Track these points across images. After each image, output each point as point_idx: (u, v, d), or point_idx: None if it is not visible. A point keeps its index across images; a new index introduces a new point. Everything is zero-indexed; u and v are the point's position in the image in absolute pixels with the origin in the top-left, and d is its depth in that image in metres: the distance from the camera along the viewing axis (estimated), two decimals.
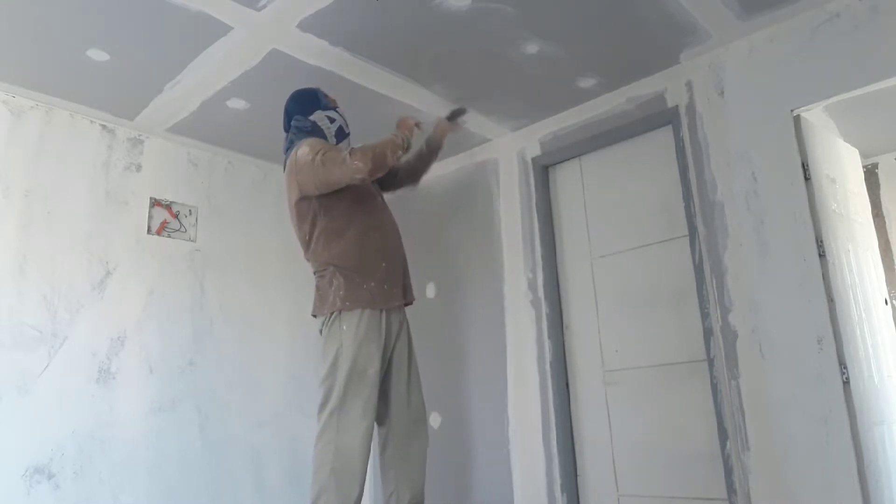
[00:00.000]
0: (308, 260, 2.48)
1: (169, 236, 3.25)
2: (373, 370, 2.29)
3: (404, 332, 2.49)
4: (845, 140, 3.16)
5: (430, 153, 2.79)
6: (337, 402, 2.24)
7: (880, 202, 4.02)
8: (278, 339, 3.58)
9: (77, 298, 2.88)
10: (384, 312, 2.38)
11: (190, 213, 3.35)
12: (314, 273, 2.46)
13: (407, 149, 2.43)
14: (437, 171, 3.69)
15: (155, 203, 3.24)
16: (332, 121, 2.51)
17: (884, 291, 2.88)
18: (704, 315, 2.66)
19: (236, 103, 3.01)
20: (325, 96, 2.57)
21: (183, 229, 3.31)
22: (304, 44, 2.57)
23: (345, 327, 2.32)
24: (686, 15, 2.50)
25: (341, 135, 2.53)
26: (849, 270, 2.56)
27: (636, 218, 3.00)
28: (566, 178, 3.32)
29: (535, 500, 3.04)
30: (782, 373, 2.40)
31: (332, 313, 2.35)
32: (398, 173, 2.77)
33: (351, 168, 2.27)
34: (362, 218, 2.43)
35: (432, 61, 2.74)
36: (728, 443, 2.51)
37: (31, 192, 2.85)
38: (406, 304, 2.53)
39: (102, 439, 2.83)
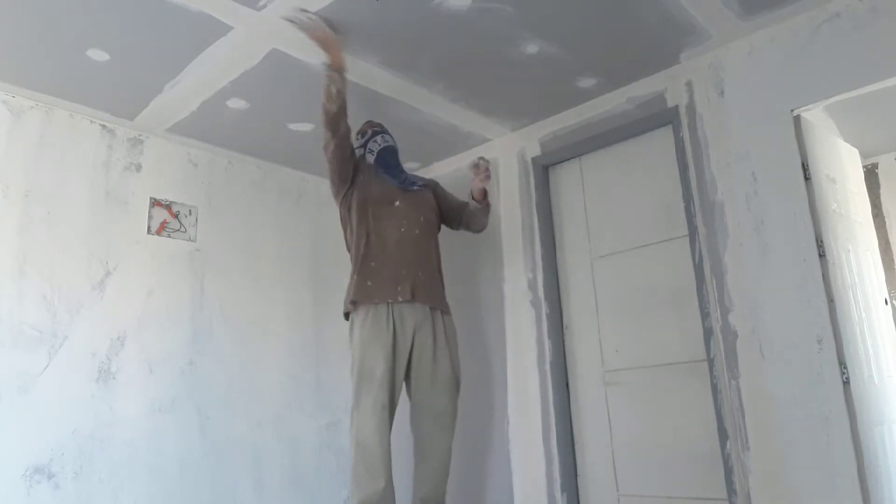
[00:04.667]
0: None
1: (169, 236, 3.25)
2: (380, 370, 2.45)
3: (427, 333, 2.60)
4: (845, 140, 3.15)
5: (476, 210, 2.88)
6: (353, 401, 2.48)
7: (880, 202, 4.02)
8: (278, 339, 3.57)
9: (77, 298, 2.88)
10: (391, 308, 2.54)
11: (190, 213, 3.35)
12: None
13: (335, 85, 2.49)
14: (437, 172, 3.70)
15: (155, 203, 3.24)
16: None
17: (884, 291, 2.88)
18: (704, 315, 2.66)
19: (236, 103, 3.01)
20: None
21: (183, 229, 3.31)
22: (305, 44, 2.57)
23: (354, 329, 2.56)
24: (686, 15, 2.50)
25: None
26: (849, 270, 2.56)
27: (636, 218, 3.00)
28: (566, 178, 3.32)
29: (535, 500, 3.04)
30: (782, 373, 2.40)
31: (346, 314, 2.63)
32: (461, 218, 2.94)
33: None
34: (369, 221, 2.64)
35: (432, 61, 2.74)
36: (728, 443, 2.51)
37: (31, 192, 2.85)
38: (433, 308, 2.66)
39: (102, 439, 2.83)
